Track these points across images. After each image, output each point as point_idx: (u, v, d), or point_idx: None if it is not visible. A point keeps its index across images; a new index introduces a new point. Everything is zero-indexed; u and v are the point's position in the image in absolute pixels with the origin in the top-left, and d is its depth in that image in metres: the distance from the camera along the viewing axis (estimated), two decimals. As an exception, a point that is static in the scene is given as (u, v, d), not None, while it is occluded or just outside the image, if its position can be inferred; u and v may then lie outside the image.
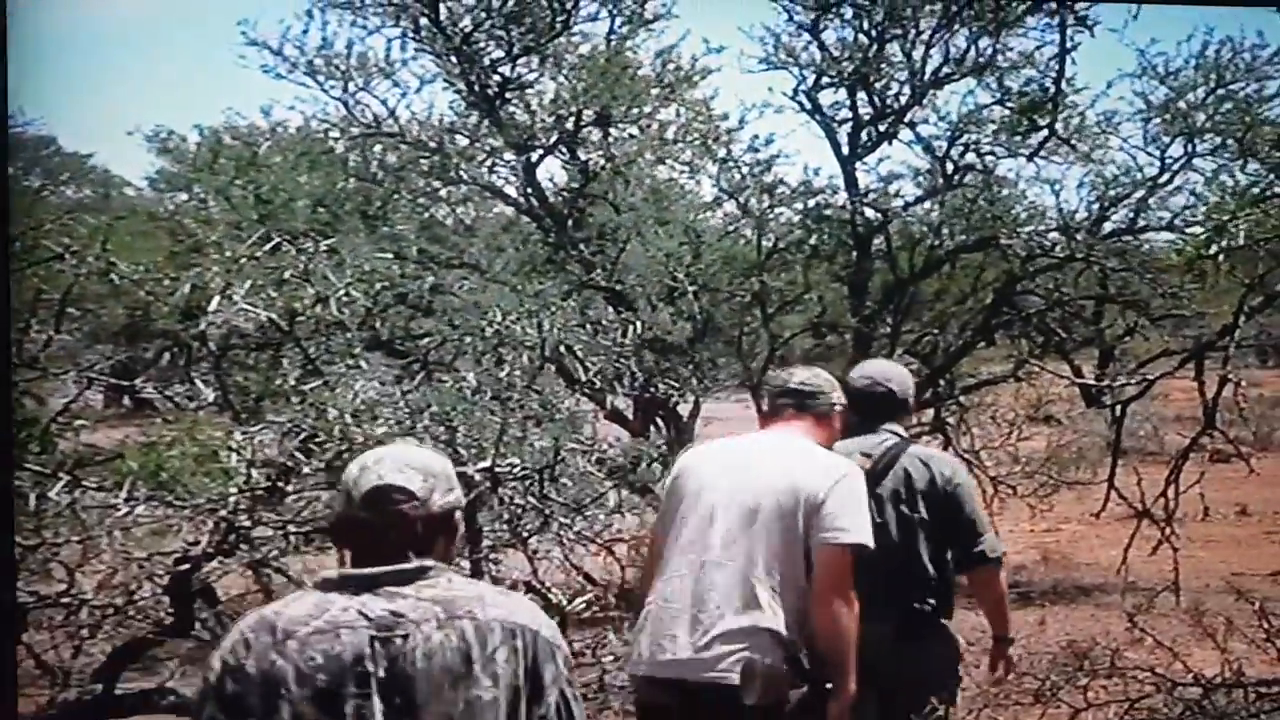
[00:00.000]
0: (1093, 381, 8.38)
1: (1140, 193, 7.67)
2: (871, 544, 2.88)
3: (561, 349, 4.49)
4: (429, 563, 1.96)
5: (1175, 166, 7.56)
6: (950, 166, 7.66)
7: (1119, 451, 7.05)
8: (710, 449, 3.15)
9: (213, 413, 4.16)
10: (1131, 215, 7.75)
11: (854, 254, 7.81)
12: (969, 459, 7.40)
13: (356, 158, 6.98)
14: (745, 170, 7.65)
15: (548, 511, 4.12)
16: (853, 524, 2.86)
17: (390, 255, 4.82)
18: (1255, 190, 2.71)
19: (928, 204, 7.91)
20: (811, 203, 7.77)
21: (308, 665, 1.89)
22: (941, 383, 8.02)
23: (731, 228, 8.05)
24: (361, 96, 6.95)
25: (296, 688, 1.88)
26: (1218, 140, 7.35)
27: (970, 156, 7.66)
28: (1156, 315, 8.23)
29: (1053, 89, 6.60)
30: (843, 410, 3.22)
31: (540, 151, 7.24)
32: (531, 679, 1.94)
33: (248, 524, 3.61)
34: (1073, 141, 7.29)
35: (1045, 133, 7.05)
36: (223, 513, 3.56)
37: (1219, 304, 6.14)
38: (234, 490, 3.55)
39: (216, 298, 3.81)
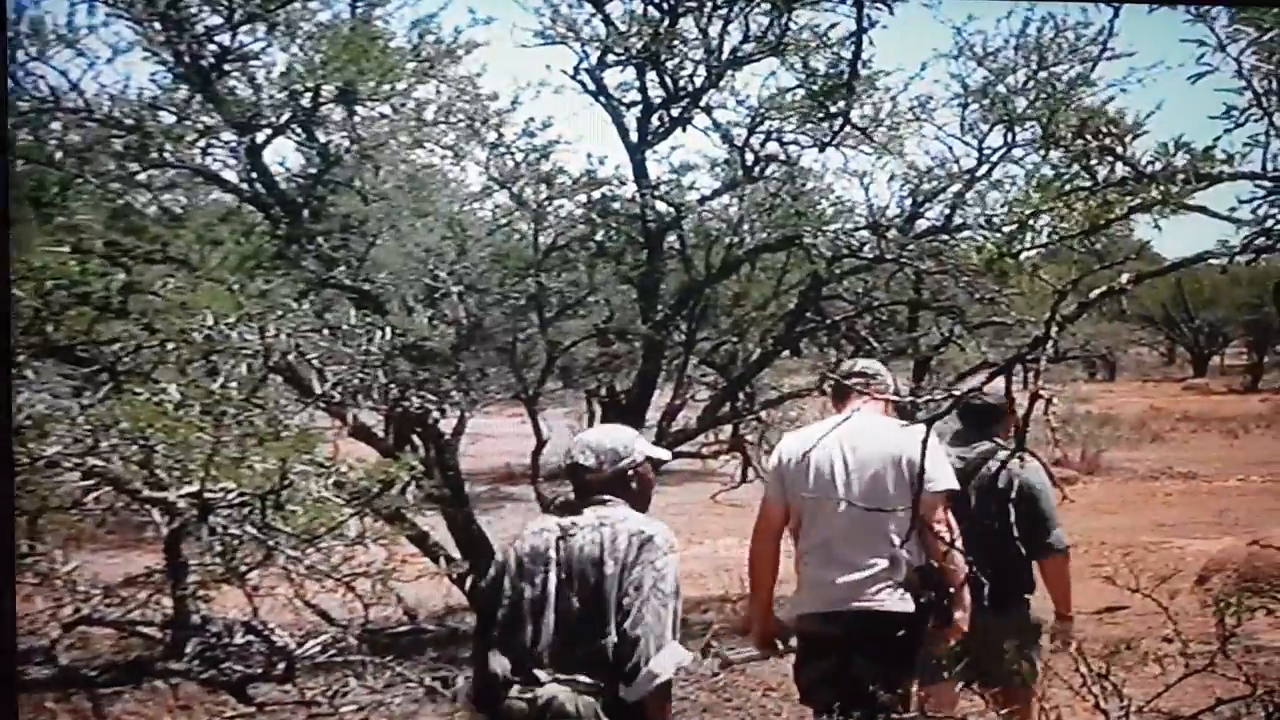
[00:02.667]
0: (895, 396, 8.71)
1: (956, 187, 7.98)
2: (957, 486, 4.34)
3: (291, 357, 4.43)
4: (605, 497, 3.76)
5: (994, 157, 7.80)
6: (750, 157, 7.84)
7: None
8: (815, 431, 4.50)
9: None
10: (947, 212, 8.06)
11: (644, 252, 7.96)
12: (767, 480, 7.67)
13: (27, 136, 6.65)
14: (519, 157, 7.72)
15: (272, 543, 4.08)
16: (941, 475, 4.26)
17: (67, 249, 4.64)
18: (1058, 182, 2.91)
19: (726, 198, 8.15)
20: (596, 194, 7.91)
21: (523, 554, 3.72)
22: (741, 396, 8.25)
23: (503, 221, 8.12)
24: (34, 67, 6.62)
25: (515, 567, 3.71)
26: (1039, 128, 7.44)
27: (772, 146, 7.86)
28: (974, 323, 8.71)
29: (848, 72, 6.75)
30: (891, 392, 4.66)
31: (268, 131, 7.10)
32: (634, 559, 3.60)
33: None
34: (870, 131, 7.55)
35: (841, 121, 7.25)
36: None
37: (1044, 310, 6.61)
38: None
39: None
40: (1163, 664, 3.79)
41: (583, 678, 3.55)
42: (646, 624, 3.53)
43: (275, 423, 4.24)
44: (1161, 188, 2.73)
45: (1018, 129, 7.67)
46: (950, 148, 7.91)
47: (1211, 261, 3.11)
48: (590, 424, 14.83)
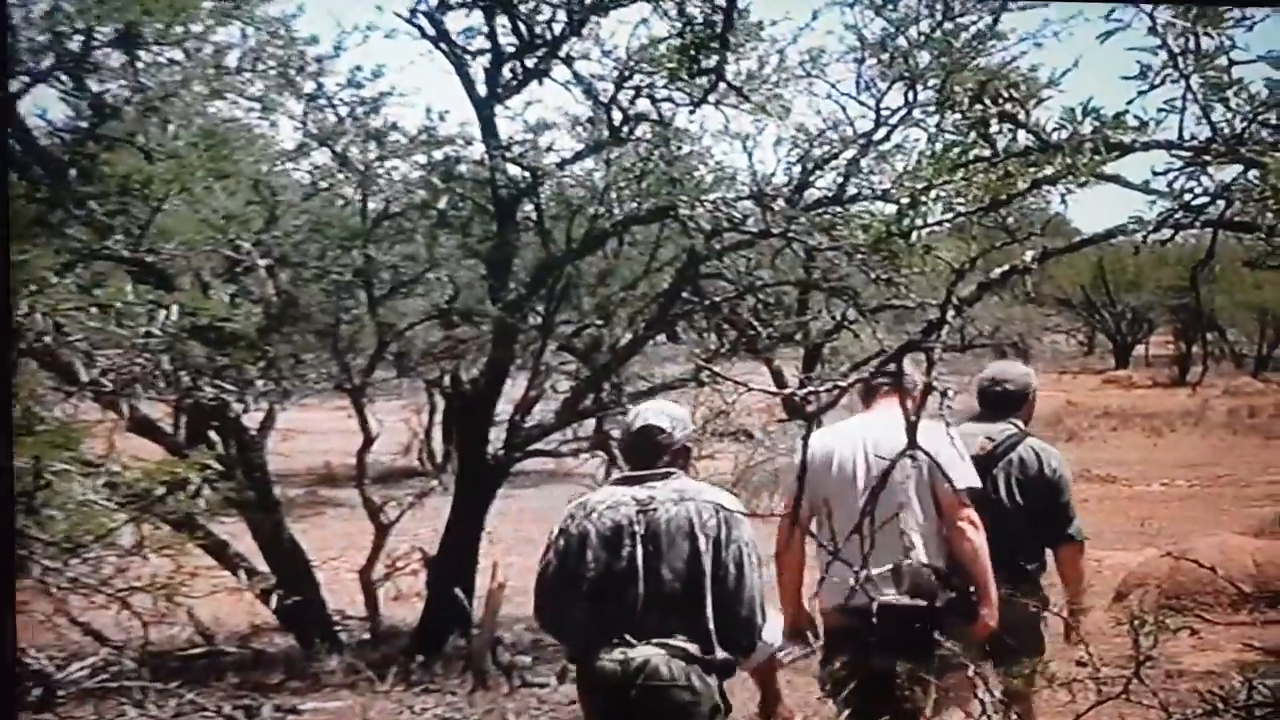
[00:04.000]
0: (771, 389, 8.82)
1: (851, 152, 7.96)
2: (978, 484, 5.03)
3: (48, 339, 4.32)
4: (673, 470, 4.45)
5: (894, 119, 7.75)
6: (618, 115, 7.84)
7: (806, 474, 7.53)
8: (841, 428, 5.09)
9: None
10: (840, 180, 8.04)
11: (494, 223, 7.94)
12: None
13: None
14: (343, 111, 7.67)
15: (25, 552, 3.97)
16: (963, 473, 4.86)
17: None
18: (955, 152, 2.95)
19: (590, 162, 8.18)
20: (437, 155, 7.90)
21: (603, 528, 4.35)
22: (606, 387, 8.27)
23: (324, 184, 8.05)
24: None
25: (597, 540, 4.35)
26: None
27: (643, 104, 7.86)
28: (871, 306, 8.84)
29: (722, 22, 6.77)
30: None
31: (25, 80, 6.86)
32: (725, 536, 4.32)
33: None
34: (748, 90, 7.56)
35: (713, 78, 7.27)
36: None
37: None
38: None
39: None
40: (1073, 690, 3.90)
41: (676, 642, 4.25)
42: (753, 600, 4.34)
43: (30, 415, 4.12)
44: (1067, 158, 2.79)
45: (920, 87, 7.65)
46: (844, 108, 7.92)
47: (1124, 240, 3.20)
48: (431, 418, 14.79)
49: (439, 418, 13.94)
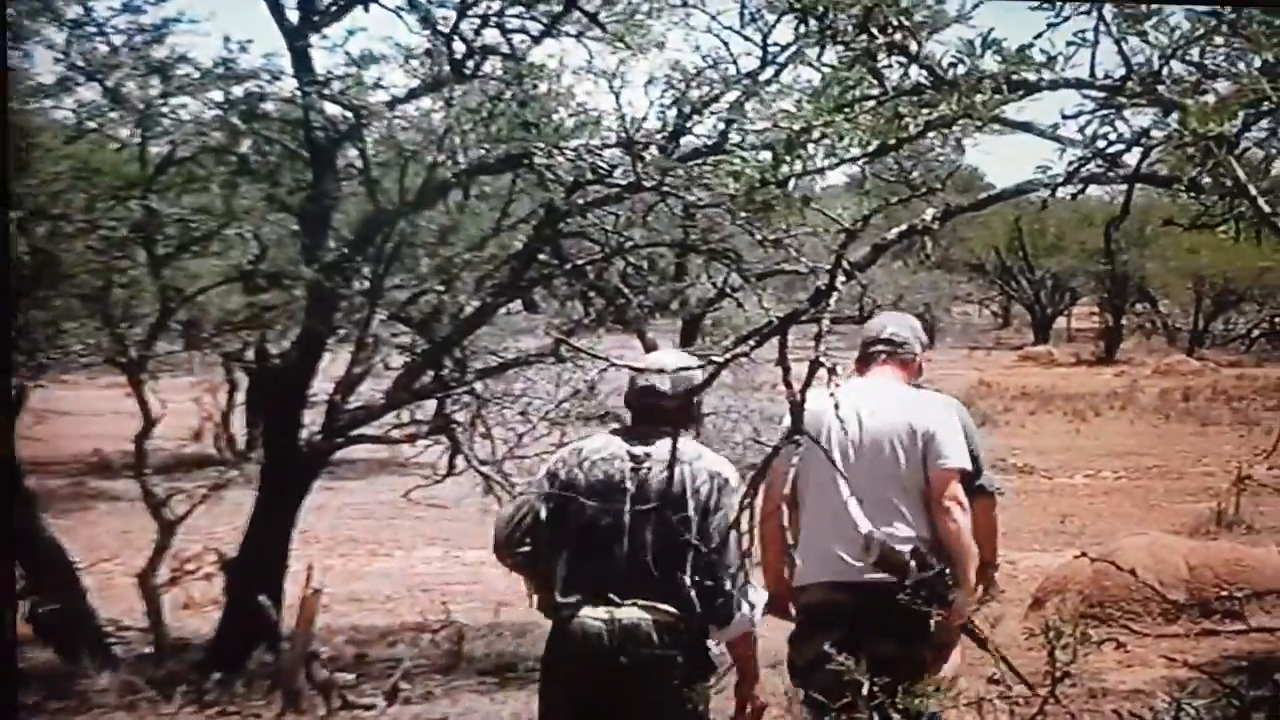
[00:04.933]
0: (631, 365, 8.83)
1: (734, 94, 8.05)
2: (969, 467, 5.33)
3: None
4: (669, 429, 4.79)
5: (782, 57, 7.81)
6: (461, 48, 7.81)
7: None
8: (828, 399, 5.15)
9: None
10: (722, 127, 8.10)
11: (309, 171, 7.87)
12: (492, 475, 7.68)
13: None
14: (117, 40, 7.51)
15: None
16: (955, 453, 5.29)
17: None
18: (838, 89, 2.92)
19: (427, 101, 8.10)
20: (237, 92, 7.78)
21: (593, 479, 4.76)
22: (448, 363, 8.20)
23: (92, 124, 7.87)
24: None
25: (585, 491, 4.74)
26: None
27: (491, 34, 7.84)
28: (757, 271, 8.88)
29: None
30: (923, 355, 5.66)
31: None
32: (714, 503, 4.72)
33: None
34: (602, 19, 7.60)
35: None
36: None
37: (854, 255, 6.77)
38: None
39: None
40: (982, 710, 3.95)
41: (664, 607, 4.65)
42: (734, 570, 4.63)
43: None
44: (965, 98, 2.80)
45: (811, 20, 7.79)
46: (726, 44, 7.99)
47: (1031, 196, 3.22)
48: (231, 399, 14.59)
49: (241, 398, 13.77)
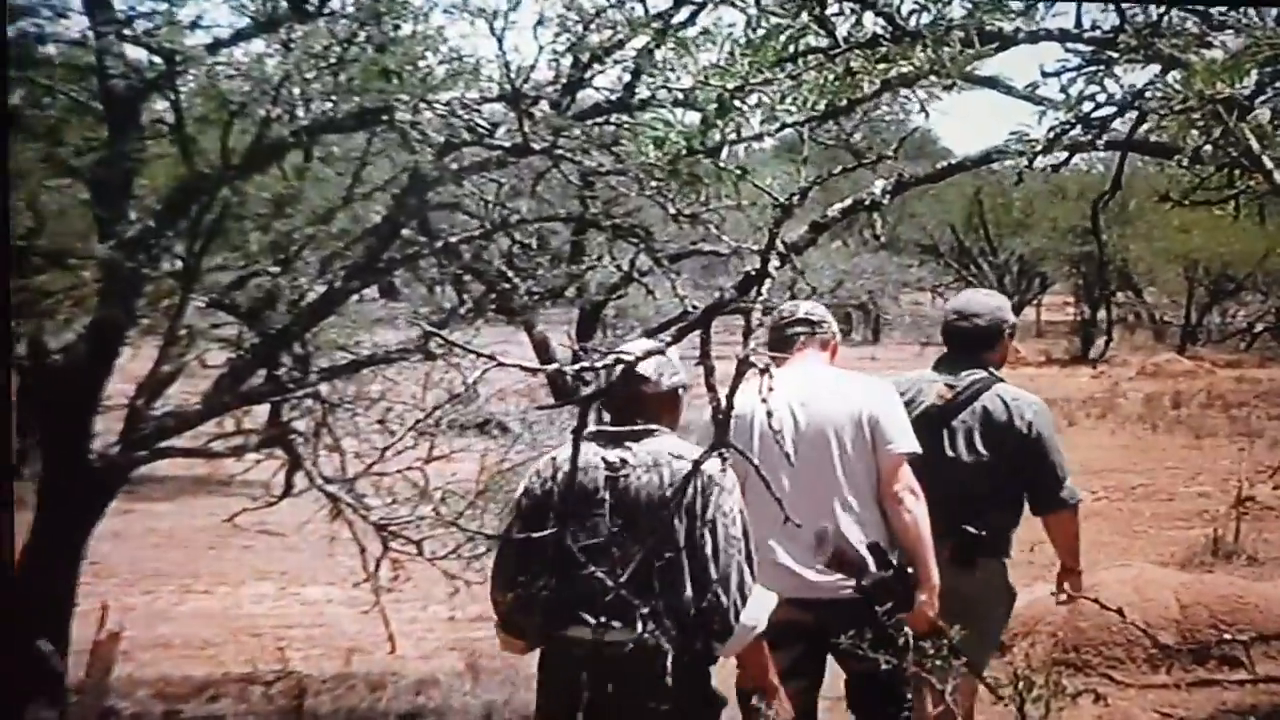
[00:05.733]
0: (532, 364, 8.87)
1: (643, 39, 7.99)
2: (919, 449, 5.81)
3: None
4: (652, 426, 5.17)
5: None
6: (301, -19, 7.77)
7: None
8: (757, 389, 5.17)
9: None
10: (628, 79, 8.16)
11: (105, 128, 7.83)
12: (341, 496, 7.70)
13: None
14: None
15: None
16: (901, 435, 5.79)
17: None
18: (780, 40, 2.94)
19: (260, 43, 8.01)
20: (9, 33, 7.57)
21: (565, 492, 5.02)
22: (287, 361, 8.15)
23: None
24: None
25: (560, 505, 5.03)
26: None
27: (339, -35, 7.80)
28: (671, 252, 8.91)
29: None
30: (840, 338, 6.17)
31: None
32: (702, 507, 4.97)
33: None
34: None
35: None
36: None
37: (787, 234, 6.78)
38: None
39: None
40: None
41: (655, 627, 4.90)
42: (729, 578, 4.97)
43: None
44: (930, 52, 2.84)
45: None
46: (633, -21, 7.98)
47: (1007, 166, 3.28)
48: (4, 401, 14.45)
49: (12, 400, 13.67)
